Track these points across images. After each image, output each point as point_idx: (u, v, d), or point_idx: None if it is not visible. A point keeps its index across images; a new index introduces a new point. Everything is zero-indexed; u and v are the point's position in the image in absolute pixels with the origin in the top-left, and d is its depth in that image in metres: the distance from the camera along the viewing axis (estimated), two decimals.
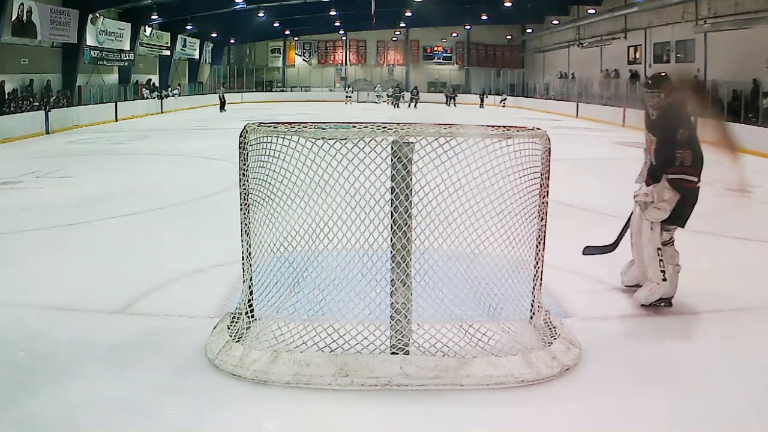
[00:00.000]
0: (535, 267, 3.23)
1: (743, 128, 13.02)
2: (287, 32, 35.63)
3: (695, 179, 3.68)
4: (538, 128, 3.13)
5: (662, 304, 3.77)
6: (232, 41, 35.44)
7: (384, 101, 31.20)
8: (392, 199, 2.85)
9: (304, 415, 2.58)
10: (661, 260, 3.71)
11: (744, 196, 6.72)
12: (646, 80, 3.86)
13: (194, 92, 30.32)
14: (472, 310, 3.28)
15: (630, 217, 4.03)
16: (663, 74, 3.87)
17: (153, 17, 24.23)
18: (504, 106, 29.73)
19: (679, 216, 3.71)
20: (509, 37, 37.08)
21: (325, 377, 2.74)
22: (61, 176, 9.04)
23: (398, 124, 2.90)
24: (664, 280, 3.72)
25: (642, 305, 3.75)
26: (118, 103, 21.28)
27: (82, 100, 20.59)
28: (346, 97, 32.24)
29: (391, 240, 2.90)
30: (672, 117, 3.70)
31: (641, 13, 22.95)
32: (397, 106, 28.50)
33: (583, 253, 4.18)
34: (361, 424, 2.54)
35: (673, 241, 3.83)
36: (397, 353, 2.87)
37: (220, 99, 26.11)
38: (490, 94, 32.53)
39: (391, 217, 2.88)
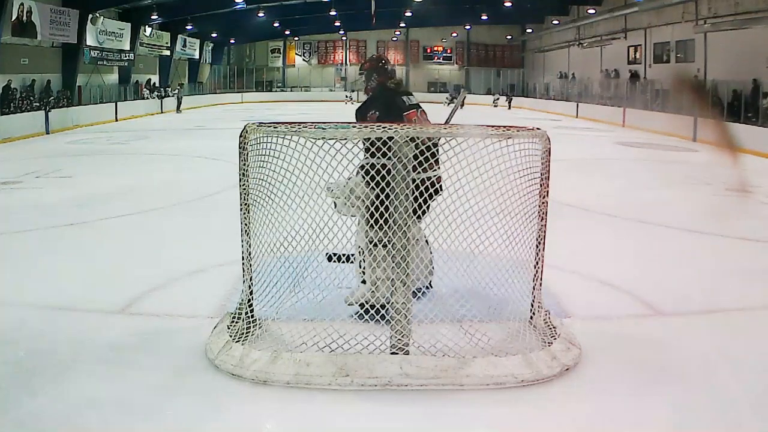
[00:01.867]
0: (535, 267, 3.23)
1: (743, 128, 13.04)
2: (287, 32, 35.64)
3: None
4: (538, 128, 3.13)
5: (365, 311, 3.20)
6: (232, 41, 35.44)
7: None
8: (392, 199, 2.85)
9: (304, 415, 2.57)
10: (362, 260, 3.36)
11: (744, 196, 6.75)
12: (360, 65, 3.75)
13: (194, 92, 30.33)
14: (472, 310, 3.28)
15: None
16: (373, 56, 3.80)
17: (153, 17, 24.25)
18: (499, 107, 28.26)
19: (378, 212, 3.05)
20: (509, 37, 37.09)
21: (325, 377, 2.74)
22: (61, 176, 9.04)
23: (398, 124, 2.90)
24: (363, 282, 3.38)
25: (349, 305, 3.39)
26: (118, 103, 21.29)
27: (82, 100, 20.60)
28: (346, 96, 32.05)
29: (391, 240, 2.90)
30: (367, 102, 3.62)
31: (641, 13, 22.97)
32: None
33: (329, 260, 3.42)
34: (361, 424, 2.54)
35: (384, 243, 3.19)
36: (397, 353, 2.87)
37: (177, 99, 25.16)
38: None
39: (391, 217, 2.88)
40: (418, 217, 3.08)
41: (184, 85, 28.27)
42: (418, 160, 2.88)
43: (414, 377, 2.74)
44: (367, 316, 3.14)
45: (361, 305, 3.37)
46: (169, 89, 27.06)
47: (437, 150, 3.09)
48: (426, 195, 3.07)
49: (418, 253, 3.25)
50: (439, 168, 3.20)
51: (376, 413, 2.59)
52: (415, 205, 2.97)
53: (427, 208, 3.19)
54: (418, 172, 2.92)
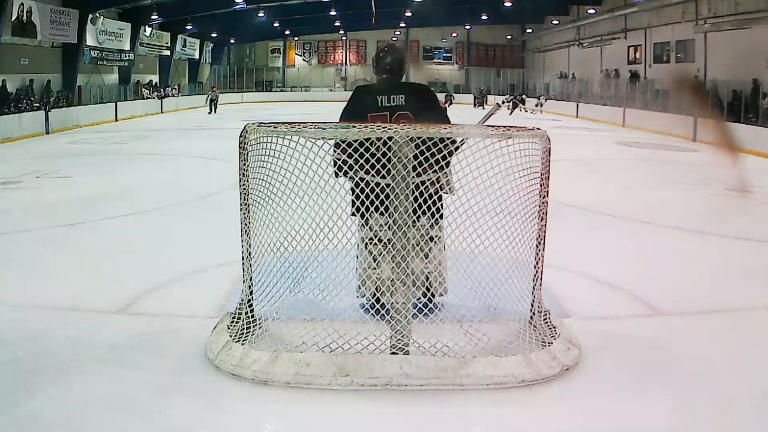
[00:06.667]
0: (535, 267, 3.22)
1: (743, 128, 13.05)
2: (287, 32, 35.66)
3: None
4: (538, 128, 3.13)
5: (369, 311, 3.36)
6: (232, 41, 35.46)
7: None
8: (392, 199, 2.85)
9: (304, 415, 2.57)
10: (357, 257, 3.36)
11: (744, 196, 6.75)
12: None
13: (194, 92, 30.33)
14: (472, 310, 3.28)
15: None
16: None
17: (153, 17, 24.26)
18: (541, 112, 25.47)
19: (361, 210, 3.10)
20: (509, 37, 37.09)
21: (325, 377, 2.74)
22: (61, 176, 9.04)
23: (398, 124, 2.90)
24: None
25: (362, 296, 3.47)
26: (118, 103, 21.30)
27: (82, 100, 20.62)
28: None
29: (391, 240, 2.90)
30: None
31: (641, 13, 22.98)
32: None
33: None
34: (361, 424, 2.54)
35: (373, 241, 3.30)
36: (397, 353, 2.87)
37: (213, 102, 24.53)
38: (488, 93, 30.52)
39: (391, 217, 2.87)
40: (418, 218, 3.03)
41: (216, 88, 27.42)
42: (418, 160, 2.88)
43: (414, 377, 2.74)
44: (373, 310, 3.18)
45: (378, 299, 3.34)
46: (169, 89, 27.05)
47: (442, 153, 2.98)
48: (422, 198, 2.99)
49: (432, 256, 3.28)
50: (441, 172, 3.10)
51: (376, 413, 2.59)
52: (418, 206, 2.94)
53: (434, 210, 3.12)
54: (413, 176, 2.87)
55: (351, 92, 3.57)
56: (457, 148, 3.14)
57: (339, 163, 3.09)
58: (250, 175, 3.08)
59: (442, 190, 3.25)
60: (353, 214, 3.16)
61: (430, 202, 3.06)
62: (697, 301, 3.91)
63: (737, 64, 16.64)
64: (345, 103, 3.48)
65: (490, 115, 3.78)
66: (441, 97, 27.75)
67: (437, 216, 3.21)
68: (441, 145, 2.99)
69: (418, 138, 2.84)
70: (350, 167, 3.03)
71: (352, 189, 3.10)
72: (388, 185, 2.88)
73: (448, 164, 3.12)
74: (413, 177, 2.86)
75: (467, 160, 3.06)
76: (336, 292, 3.20)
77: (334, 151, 3.08)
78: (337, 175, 3.13)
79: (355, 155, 2.93)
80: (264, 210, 3.09)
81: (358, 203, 3.04)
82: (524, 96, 26.22)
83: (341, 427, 2.52)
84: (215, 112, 23.88)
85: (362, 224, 3.33)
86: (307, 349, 2.91)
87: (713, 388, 2.78)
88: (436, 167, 3.02)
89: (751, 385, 2.81)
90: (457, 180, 3.10)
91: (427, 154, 2.93)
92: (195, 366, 2.92)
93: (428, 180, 3.06)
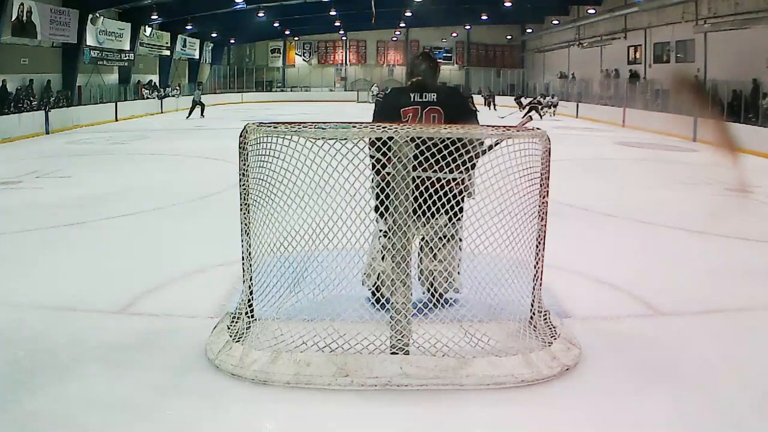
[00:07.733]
0: (535, 267, 3.22)
1: (743, 128, 13.05)
2: (287, 32, 35.65)
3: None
4: (538, 128, 3.13)
5: (369, 300, 3.46)
6: (232, 41, 35.45)
7: None
8: (392, 199, 2.85)
9: (304, 415, 2.57)
10: (372, 241, 3.37)
11: (744, 196, 6.75)
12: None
13: (194, 92, 30.31)
14: (472, 310, 3.28)
15: None
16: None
17: (153, 17, 24.26)
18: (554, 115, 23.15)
19: (380, 203, 3.16)
20: (509, 37, 37.11)
21: (325, 377, 2.74)
22: (61, 176, 9.04)
23: (398, 123, 2.89)
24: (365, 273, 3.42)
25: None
26: (118, 103, 21.30)
27: (82, 100, 20.61)
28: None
29: (391, 240, 2.90)
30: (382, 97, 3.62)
31: (641, 13, 22.98)
32: None
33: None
34: (361, 424, 2.54)
35: (385, 234, 3.24)
36: (397, 353, 2.87)
37: (199, 104, 21.22)
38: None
39: (391, 217, 2.88)
40: (429, 218, 3.04)
41: (202, 86, 24.70)
42: (419, 160, 2.87)
43: (414, 377, 2.74)
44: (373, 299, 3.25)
45: (378, 289, 3.41)
46: (169, 89, 27.04)
47: (461, 152, 2.94)
48: (436, 196, 3.01)
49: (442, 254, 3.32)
50: (463, 171, 3.04)
51: (376, 413, 2.59)
52: (417, 204, 2.95)
53: (456, 210, 3.20)
54: (422, 171, 2.89)
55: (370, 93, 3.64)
56: (484, 152, 3.17)
57: (372, 161, 3.12)
58: (250, 175, 3.08)
59: (466, 191, 3.29)
60: (376, 209, 3.20)
61: (453, 201, 3.12)
62: (697, 301, 3.90)
63: (737, 64, 16.64)
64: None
65: (524, 124, 3.82)
66: None
67: (459, 215, 3.27)
68: (468, 147, 2.98)
69: (442, 140, 2.87)
70: (383, 165, 3.03)
71: (382, 187, 3.08)
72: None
73: (473, 166, 3.13)
74: (438, 175, 2.90)
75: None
76: (336, 292, 3.20)
77: (370, 149, 3.11)
78: (374, 168, 3.16)
79: (391, 152, 2.93)
80: (264, 210, 3.10)
81: (382, 196, 3.04)
82: (541, 99, 23.42)
83: (341, 427, 2.52)
84: (202, 115, 20.56)
85: (378, 217, 3.32)
86: (307, 349, 2.91)
87: (713, 388, 2.79)
88: (463, 168, 3.00)
89: (751, 385, 2.81)
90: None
91: (455, 154, 2.94)
92: (195, 366, 2.92)
93: (452, 180, 3.09)
